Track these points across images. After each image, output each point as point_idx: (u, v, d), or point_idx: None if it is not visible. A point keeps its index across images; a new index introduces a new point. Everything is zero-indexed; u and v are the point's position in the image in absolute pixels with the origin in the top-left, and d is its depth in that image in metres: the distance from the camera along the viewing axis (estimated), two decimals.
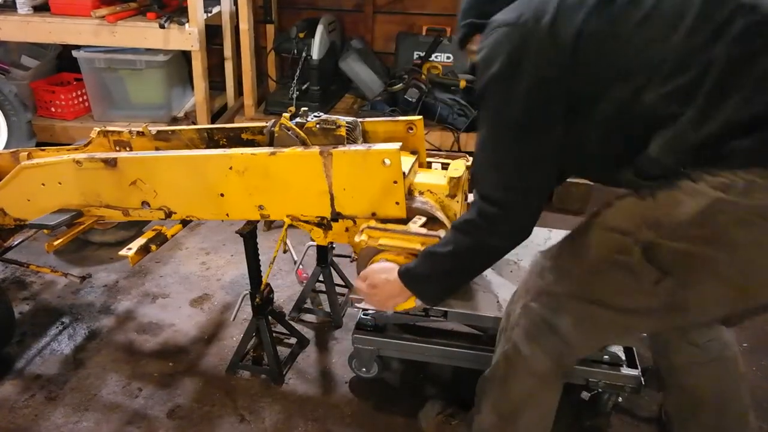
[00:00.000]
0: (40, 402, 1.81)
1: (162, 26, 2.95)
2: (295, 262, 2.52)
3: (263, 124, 1.78)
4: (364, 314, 1.78)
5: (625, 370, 1.64)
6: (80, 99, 3.42)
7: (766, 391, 1.91)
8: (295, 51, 3.17)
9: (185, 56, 3.28)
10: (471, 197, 1.47)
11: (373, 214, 1.54)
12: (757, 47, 0.97)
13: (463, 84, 3.06)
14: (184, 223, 1.75)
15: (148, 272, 2.46)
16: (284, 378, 1.91)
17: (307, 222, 1.64)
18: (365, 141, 1.66)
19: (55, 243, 1.73)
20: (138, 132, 1.91)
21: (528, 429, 1.41)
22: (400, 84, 3.06)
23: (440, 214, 1.56)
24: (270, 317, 1.89)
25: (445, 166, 1.71)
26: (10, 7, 3.08)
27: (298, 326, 2.11)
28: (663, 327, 1.24)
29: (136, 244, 1.63)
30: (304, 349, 2.04)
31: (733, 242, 1.02)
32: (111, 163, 1.63)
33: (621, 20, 1.05)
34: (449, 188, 1.57)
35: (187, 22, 2.95)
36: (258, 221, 1.77)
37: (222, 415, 1.77)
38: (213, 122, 3.37)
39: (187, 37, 2.98)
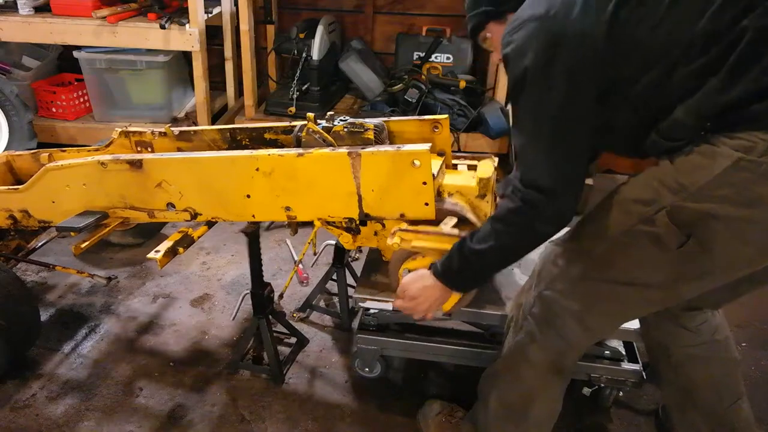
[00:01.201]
0: (41, 401, 1.81)
1: (163, 27, 2.96)
2: (295, 262, 2.52)
3: (286, 124, 1.80)
4: (366, 314, 1.78)
5: (626, 365, 1.66)
6: (81, 99, 3.43)
7: (766, 390, 1.91)
8: (296, 51, 3.18)
9: (186, 57, 3.29)
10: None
11: (402, 216, 1.54)
12: None
13: (462, 84, 3.07)
14: (210, 224, 1.75)
15: (148, 272, 2.46)
16: (284, 377, 1.91)
17: (335, 225, 1.64)
18: (391, 142, 1.66)
19: (83, 245, 1.73)
20: (160, 132, 1.92)
21: (539, 420, 1.42)
22: (400, 84, 3.06)
23: (471, 215, 1.57)
24: (270, 317, 1.90)
25: (471, 167, 1.72)
26: (11, 7, 3.09)
27: (298, 325, 2.11)
28: (683, 296, 1.25)
29: (163, 247, 1.62)
30: (304, 349, 2.04)
31: (755, 200, 1.05)
32: (136, 165, 1.63)
33: (650, 5, 1.08)
34: (479, 189, 1.57)
35: (188, 22, 2.96)
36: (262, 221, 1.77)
37: (222, 415, 1.78)
38: (213, 122, 3.38)
39: (188, 37, 2.98)
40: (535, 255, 1.38)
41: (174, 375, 1.93)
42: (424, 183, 1.46)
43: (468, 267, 1.33)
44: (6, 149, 3.03)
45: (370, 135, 1.55)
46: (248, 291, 1.88)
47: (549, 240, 1.31)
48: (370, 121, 1.58)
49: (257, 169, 1.56)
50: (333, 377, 1.93)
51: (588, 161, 1.22)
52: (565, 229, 1.28)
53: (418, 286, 1.43)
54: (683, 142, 1.11)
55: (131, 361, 1.99)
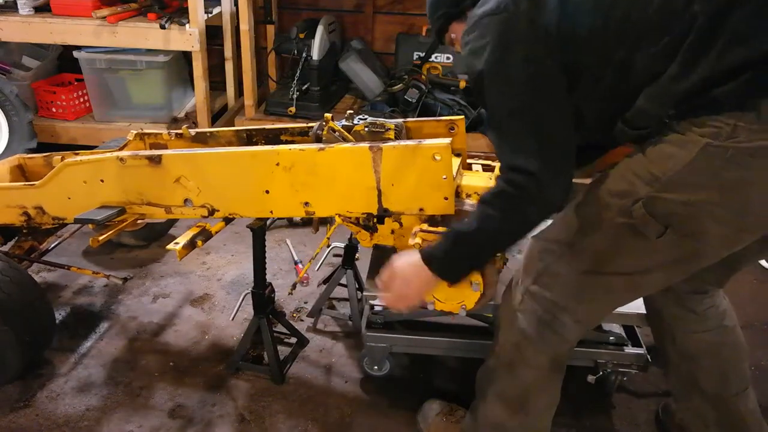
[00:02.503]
0: (41, 401, 1.81)
1: (163, 27, 2.96)
2: (295, 262, 2.52)
3: (302, 125, 1.82)
4: (373, 312, 1.79)
5: (630, 349, 1.69)
6: (81, 99, 3.43)
7: (766, 391, 1.91)
8: (296, 51, 3.18)
9: (186, 57, 3.29)
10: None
11: (421, 210, 1.55)
12: (731, 1, 1.01)
13: (462, 84, 3.07)
14: (227, 220, 1.75)
15: (148, 272, 2.46)
16: (285, 377, 1.91)
17: (353, 222, 1.65)
18: None
19: (100, 238, 1.73)
20: (177, 134, 1.93)
21: (539, 414, 1.42)
22: (400, 84, 3.06)
23: None
24: (270, 316, 1.90)
25: (485, 168, 1.72)
26: (11, 7, 3.08)
27: (297, 325, 2.11)
28: (671, 280, 1.28)
29: (183, 239, 1.65)
30: (303, 349, 2.04)
31: (726, 184, 1.06)
32: (156, 160, 1.64)
33: None
34: None
35: (188, 22, 2.96)
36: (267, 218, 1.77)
37: (223, 415, 1.78)
38: (213, 123, 3.38)
39: (188, 37, 2.98)
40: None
41: (174, 375, 1.93)
42: (444, 177, 1.47)
43: (454, 251, 1.31)
44: (6, 149, 3.03)
45: (391, 135, 1.56)
46: (248, 291, 1.88)
47: (532, 235, 1.32)
48: (391, 121, 1.59)
49: (277, 164, 1.57)
50: (333, 377, 1.93)
51: (571, 142, 1.21)
52: (548, 222, 1.29)
53: (406, 271, 1.39)
54: (648, 130, 1.12)
55: (131, 361, 1.99)
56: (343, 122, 1.63)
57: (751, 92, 1.01)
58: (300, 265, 2.48)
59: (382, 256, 1.83)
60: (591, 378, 1.72)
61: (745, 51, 0.99)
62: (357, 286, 2.16)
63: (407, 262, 1.36)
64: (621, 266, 1.21)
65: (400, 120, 1.66)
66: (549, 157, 1.18)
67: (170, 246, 1.62)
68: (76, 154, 2.01)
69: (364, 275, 1.95)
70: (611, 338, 1.71)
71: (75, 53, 3.21)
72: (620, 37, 1.10)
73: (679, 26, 1.04)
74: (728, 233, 1.13)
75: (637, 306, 1.66)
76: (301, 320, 2.19)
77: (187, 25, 2.96)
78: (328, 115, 1.61)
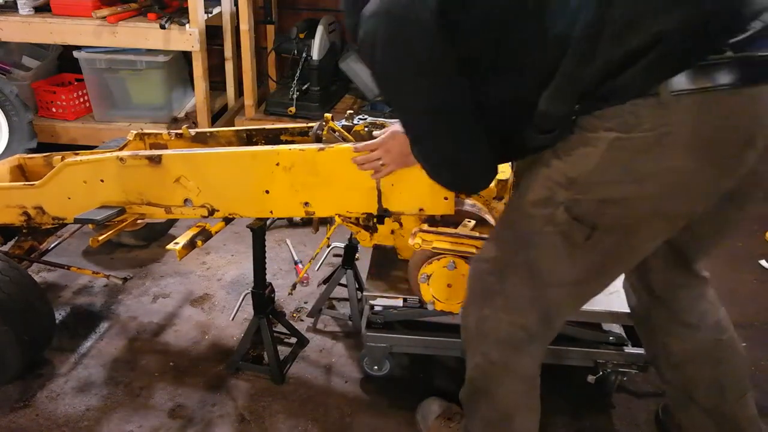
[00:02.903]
0: (41, 401, 1.81)
1: (163, 27, 2.96)
2: (295, 262, 2.52)
3: (302, 125, 1.82)
4: (373, 312, 1.79)
5: (630, 349, 1.69)
6: (81, 99, 3.43)
7: (766, 391, 1.91)
8: (296, 51, 3.18)
9: (186, 57, 3.29)
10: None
11: (421, 210, 1.55)
12: None
13: None
14: (227, 220, 1.76)
15: (148, 272, 2.46)
16: (285, 377, 1.91)
17: (353, 223, 1.65)
18: None
19: (100, 238, 1.74)
20: (177, 134, 1.93)
21: (523, 427, 1.40)
22: None
23: (489, 217, 1.58)
24: (270, 316, 1.90)
25: None
26: (11, 7, 3.08)
27: (297, 325, 2.11)
28: (613, 277, 1.25)
29: (183, 239, 1.65)
30: (303, 349, 2.04)
31: (640, 176, 1.05)
32: (156, 160, 1.64)
33: None
34: (497, 191, 1.58)
35: (188, 22, 2.96)
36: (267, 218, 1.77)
37: (223, 415, 1.78)
38: (213, 123, 3.38)
39: (188, 37, 2.98)
40: None
41: (174, 375, 1.93)
42: None
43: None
44: (6, 149, 3.03)
45: None
46: (248, 291, 1.88)
47: (473, 260, 1.32)
48: (391, 121, 1.59)
49: (277, 164, 1.57)
50: (333, 377, 1.93)
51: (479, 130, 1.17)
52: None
53: (397, 139, 1.42)
54: (557, 132, 1.09)
55: (131, 361, 1.99)
56: (343, 122, 1.64)
57: (648, 77, 0.99)
58: (300, 265, 2.48)
59: (382, 256, 1.85)
60: (591, 378, 1.72)
61: (636, 36, 0.96)
62: (357, 286, 2.16)
63: (401, 139, 1.40)
64: (561, 275, 1.18)
65: None
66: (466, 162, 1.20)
67: (170, 246, 1.63)
68: (76, 154, 2.02)
69: (364, 275, 1.95)
70: (611, 338, 1.72)
71: (75, 53, 3.21)
72: (507, 23, 1.06)
73: (569, 17, 1.00)
74: (654, 223, 1.11)
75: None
76: (301, 320, 2.19)
77: (187, 25, 2.96)
78: (328, 115, 1.61)
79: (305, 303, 2.28)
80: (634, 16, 0.96)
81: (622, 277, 1.78)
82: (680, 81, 0.98)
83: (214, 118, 3.44)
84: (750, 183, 1.15)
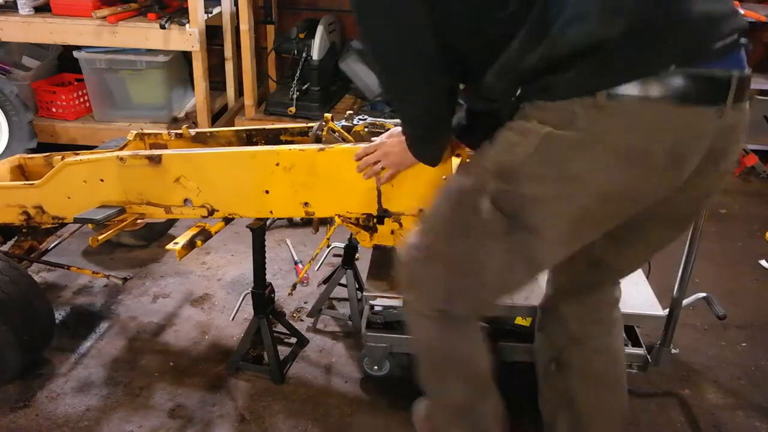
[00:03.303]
0: (41, 401, 1.81)
1: (163, 27, 2.96)
2: (295, 262, 2.52)
3: (302, 125, 1.82)
4: (373, 312, 1.79)
5: (630, 349, 1.69)
6: (81, 99, 3.43)
7: (766, 391, 1.91)
8: (296, 51, 3.18)
9: (186, 57, 3.29)
10: None
11: (421, 210, 1.55)
12: None
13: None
14: (227, 220, 1.76)
15: (148, 272, 2.46)
16: (285, 377, 1.91)
17: (353, 223, 1.65)
18: None
19: (100, 238, 1.74)
20: (177, 134, 1.93)
21: (487, 416, 1.37)
22: None
23: None
24: (270, 316, 1.90)
25: None
26: (11, 7, 3.09)
27: (297, 325, 2.11)
28: (532, 274, 1.23)
29: (182, 239, 1.65)
30: (303, 349, 2.04)
31: (568, 175, 1.03)
32: (155, 160, 1.64)
33: None
34: None
35: (188, 22, 2.96)
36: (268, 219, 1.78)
37: (223, 415, 1.78)
38: (213, 123, 3.38)
39: (188, 37, 2.98)
40: None
41: (174, 375, 1.93)
42: (444, 178, 1.47)
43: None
44: (6, 149, 3.03)
45: None
46: (248, 291, 1.88)
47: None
48: (391, 122, 1.59)
49: (277, 164, 1.57)
50: (333, 377, 1.93)
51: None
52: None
53: (393, 141, 1.43)
54: (497, 104, 1.09)
55: (131, 361, 1.99)
56: (343, 122, 1.64)
57: (586, 80, 0.97)
58: (300, 265, 2.48)
59: (382, 256, 1.84)
60: None
61: (581, 36, 0.95)
62: (357, 286, 2.16)
63: (399, 138, 1.41)
64: (481, 268, 1.17)
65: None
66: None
67: (170, 246, 1.63)
68: (76, 154, 2.02)
69: (364, 275, 1.95)
70: None
71: (75, 53, 3.21)
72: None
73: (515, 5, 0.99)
74: (577, 223, 1.09)
75: (638, 306, 1.67)
76: (301, 320, 2.19)
77: (187, 25, 2.96)
78: (328, 115, 1.61)
79: (305, 303, 2.28)
80: (585, 15, 0.94)
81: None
82: (620, 86, 0.96)
83: (214, 118, 3.44)
84: (662, 208, 1.12)
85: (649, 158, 1.00)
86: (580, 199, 1.06)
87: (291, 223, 2.85)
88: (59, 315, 2.19)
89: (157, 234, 2.63)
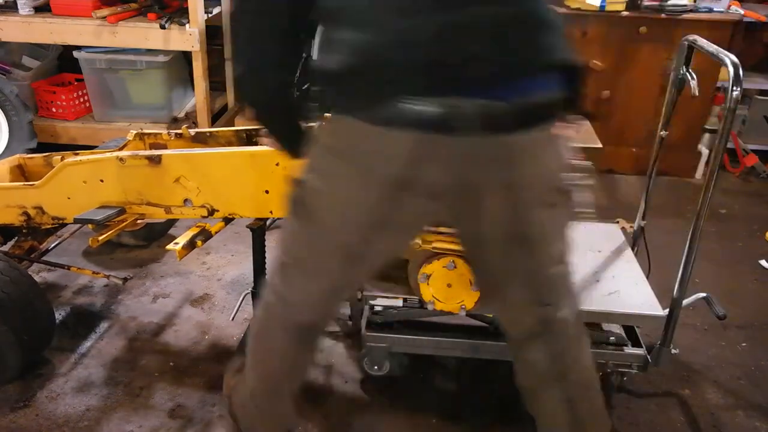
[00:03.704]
0: (41, 401, 1.81)
1: (163, 27, 2.96)
2: None
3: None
4: (373, 312, 1.79)
5: (630, 349, 1.70)
6: (81, 99, 3.43)
7: (766, 391, 1.91)
8: None
9: (186, 57, 3.29)
10: None
11: None
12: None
13: None
14: (227, 220, 1.76)
15: (148, 272, 2.46)
16: None
17: None
18: None
19: (100, 238, 1.74)
20: (176, 134, 1.94)
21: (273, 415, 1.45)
22: None
23: None
24: None
25: None
26: (11, 7, 3.08)
27: None
28: (336, 272, 1.24)
29: (182, 239, 1.66)
30: None
31: (326, 174, 1.10)
32: (155, 160, 1.65)
33: None
34: None
35: (188, 22, 2.96)
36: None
37: (223, 415, 1.78)
38: (213, 123, 3.38)
39: (188, 37, 2.98)
40: None
41: (174, 375, 1.93)
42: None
43: None
44: (6, 149, 3.03)
45: None
46: (249, 291, 1.88)
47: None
48: None
49: (277, 164, 1.57)
50: (333, 377, 1.93)
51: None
52: None
53: None
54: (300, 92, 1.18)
55: (131, 361, 1.99)
56: None
57: (341, 100, 1.03)
58: None
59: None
60: None
61: (353, 56, 0.98)
62: None
63: None
64: (297, 257, 1.23)
65: None
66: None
67: (170, 246, 1.63)
68: (76, 154, 2.02)
69: None
70: (611, 338, 1.71)
71: (75, 53, 3.21)
72: None
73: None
74: (343, 223, 1.13)
75: (638, 306, 1.66)
76: None
77: (187, 25, 2.96)
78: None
79: None
80: (365, 25, 0.98)
81: (622, 276, 1.79)
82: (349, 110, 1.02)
83: (214, 118, 3.44)
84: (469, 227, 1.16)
85: (374, 177, 1.05)
86: (332, 200, 1.13)
87: None
88: (59, 315, 2.19)
89: (157, 234, 2.63)
